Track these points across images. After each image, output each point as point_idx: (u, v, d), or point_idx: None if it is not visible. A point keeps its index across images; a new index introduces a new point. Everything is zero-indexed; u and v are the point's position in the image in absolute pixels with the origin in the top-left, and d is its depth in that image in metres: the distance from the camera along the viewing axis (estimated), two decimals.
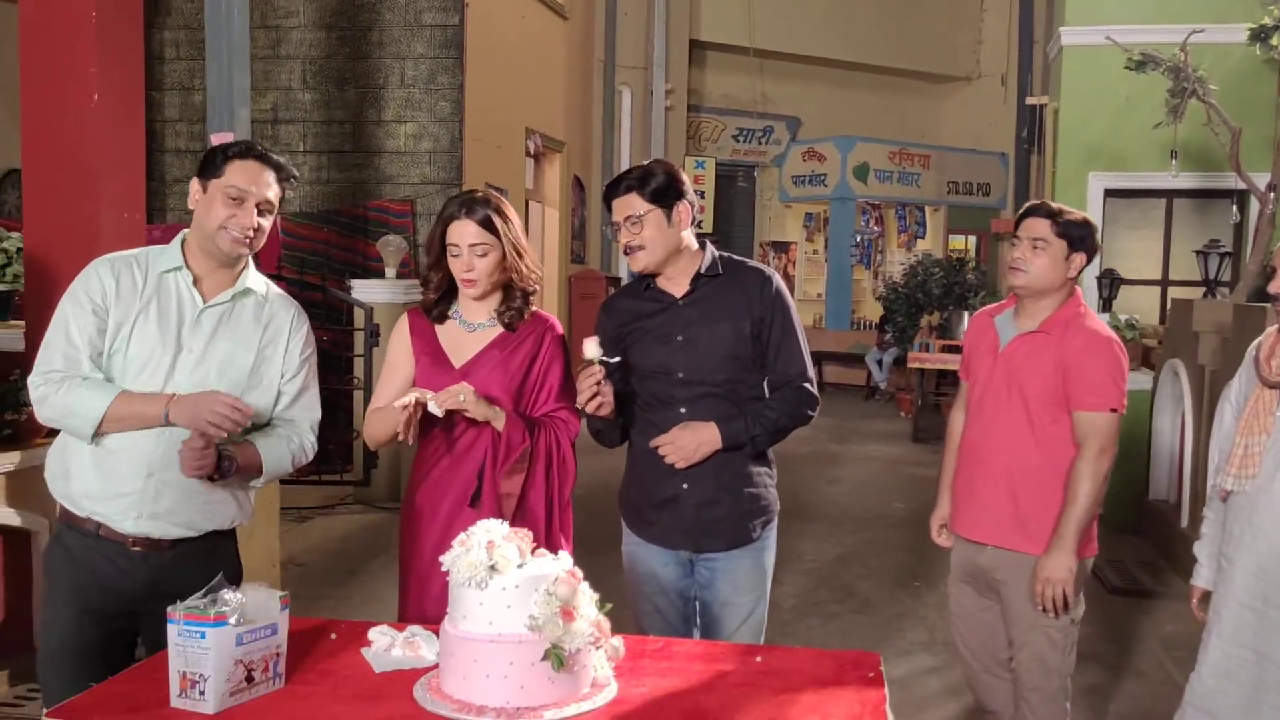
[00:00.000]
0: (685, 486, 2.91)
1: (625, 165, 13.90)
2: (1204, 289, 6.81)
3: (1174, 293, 11.55)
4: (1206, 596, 2.95)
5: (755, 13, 15.40)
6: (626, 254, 2.92)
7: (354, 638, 2.44)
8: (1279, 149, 6.63)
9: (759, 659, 2.33)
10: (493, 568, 2.09)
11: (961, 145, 17.53)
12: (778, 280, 3.01)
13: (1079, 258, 3.06)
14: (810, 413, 2.98)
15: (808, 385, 2.96)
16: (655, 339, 2.94)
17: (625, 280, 13.81)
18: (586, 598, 2.13)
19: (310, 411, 2.79)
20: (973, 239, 17.73)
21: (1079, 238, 3.04)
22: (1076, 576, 3.11)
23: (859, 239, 16.61)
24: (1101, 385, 2.95)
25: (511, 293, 2.93)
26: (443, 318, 2.97)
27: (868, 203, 16.77)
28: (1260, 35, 6.36)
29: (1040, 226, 3.03)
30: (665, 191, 2.86)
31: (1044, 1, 16.48)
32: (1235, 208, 7.82)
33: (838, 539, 6.87)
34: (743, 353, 2.92)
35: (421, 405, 2.74)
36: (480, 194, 2.96)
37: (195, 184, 2.63)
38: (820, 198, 16.73)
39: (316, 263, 8.92)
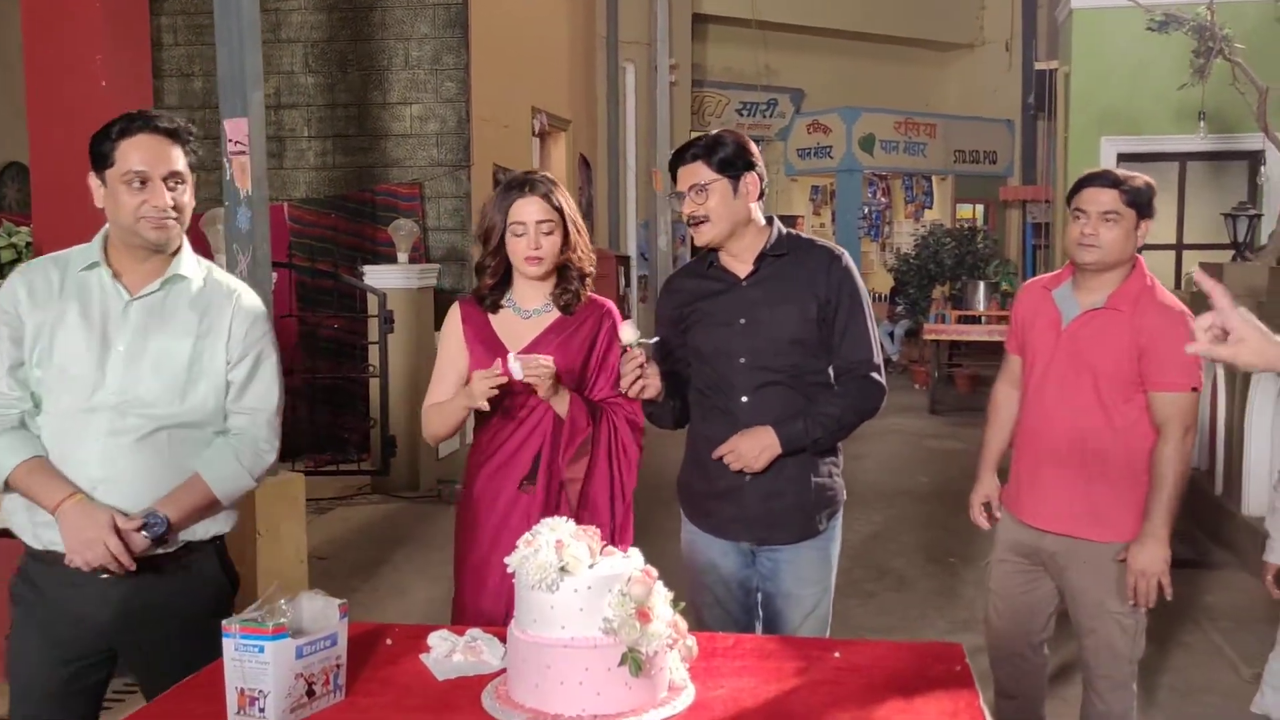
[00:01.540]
0: (748, 478, 2.79)
1: (631, 143, 13.77)
2: (1233, 252, 6.67)
3: (1189, 256, 11.46)
4: None
5: None
6: (690, 225, 2.80)
7: (411, 643, 2.33)
8: None
9: (837, 654, 2.22)
10: (563, 569, 1.98)
11: (966, 113, 17.38)
12: (847, 259, 2.86)
13: (1146, 224, 2.92)
14: (876, 405, 2.84)
15: (875, 374, 2.82)
16: (717, 321, 2.83)
17: (635, 259, 13.72)
18: (661, 597, 2.03)
19: (265, 400, 2.51)
20: (980, 207, 17.59)
21: (1146, 202, 2.90)
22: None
23: (866, 211, 16.48)
24: (1181, 364, 2.79)
25: (568, 274, 2.83)
26: (496, 306, 2.86)
27: (874, 174, 16.63)
28: None
29: (1107, 197, 2.87)
30: (733, 161, 2.74)
31: None
32: (1265, 169, 7.65)
33: (867, 516, 6.78)
34: (808, 337, 2.79)
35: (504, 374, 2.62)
36: (534, 172, 2.87)
37: (92, 180, 2.38)
38: (826, 170, 16.59)
39: (325, 249, 8.79)
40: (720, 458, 2.77)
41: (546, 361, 2.64)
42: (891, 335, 14.31)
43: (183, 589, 2.41)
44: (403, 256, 7.86)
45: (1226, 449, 6.21)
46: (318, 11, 9.30)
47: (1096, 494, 2.93)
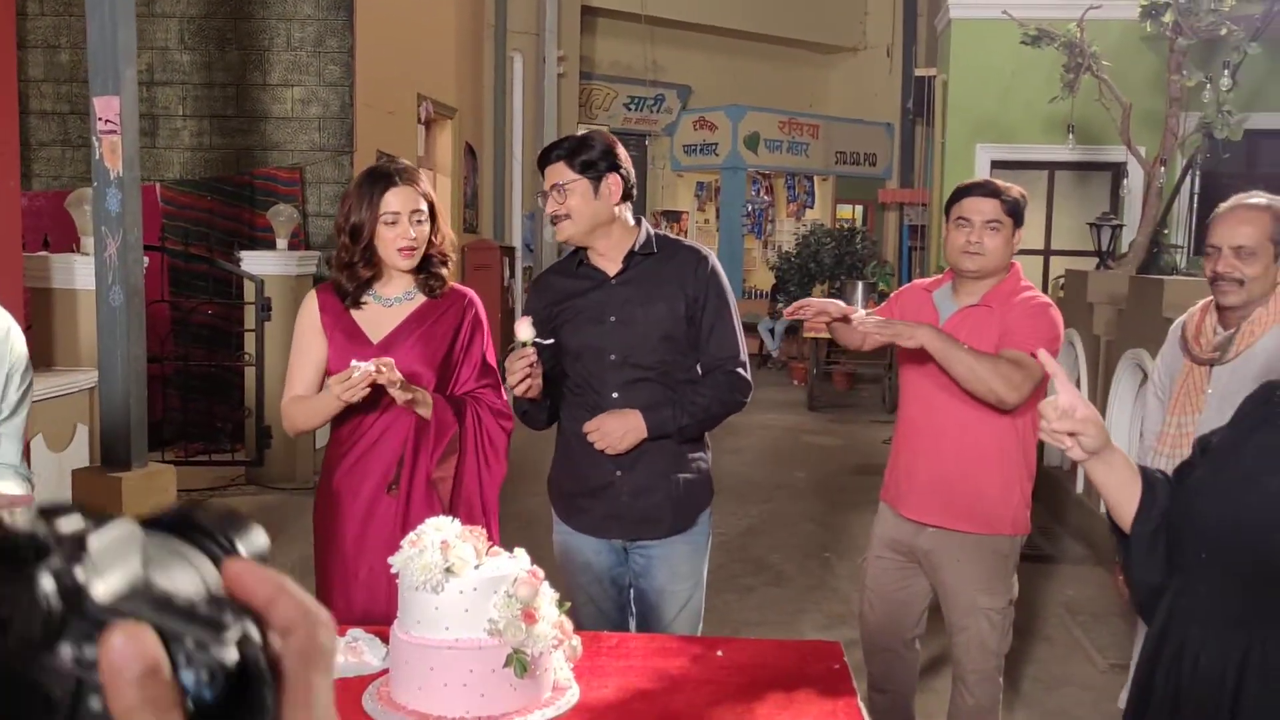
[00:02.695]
0: (619, 474, 2.82)
1: (518, 133, 13.67)
2: (1096, 260, 6.96)
3: (1055, 262, 11.92)
4: None
5: None
6: (553, 223, 2.83)
7: None
8: (1167, 125, 6.80)
9: (719, 653, 2.26)
10: (449, 570, 1.97)
11: (848, 115, 17.71)
12: (713, 259, 2.93)
13: (1019, 233, 3.06)
14: (742, 398, 2.91)
15: (740, 370, 2.88)
16: (588, 319, 2.84)
17: (520, 250, 13.63)
18: (547, 598, 2.03)
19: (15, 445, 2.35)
20: (859, 208, 17.96)
21: (1020, 212, 3.04)
22: (1008, 556, 3.13)
23: (750, 208, 16.68)
24: (1031, 334, 2.88)
25: (431, 261, 2.82)
26: (357, 302, 2.82)
27: (758, 172, 16.84)
28: (1152, 11, 6.50)
29: (990, 206, 2.97)
30: (595, 162, 2.78)
31: None
32: (1127, 181, 8.00)
33: (744, 510, 6.88)
34: (677, 334, 2.83)
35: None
36: (397, 161, 2.85)
37: None
38: (711, 167, 16.73)
39: (200, 233, 8.52)
40: (587, 436, 2.78)
41: (386, 367, 2.58)
42: (772, 332, 14.53)
43: None
44: (281, 243, 7.67)
45: None
46: None
47: (970, 487, 3.03)
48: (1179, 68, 6.59)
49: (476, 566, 2.01)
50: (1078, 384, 6.83)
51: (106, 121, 4.34)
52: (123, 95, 4.31)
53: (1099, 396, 6.31)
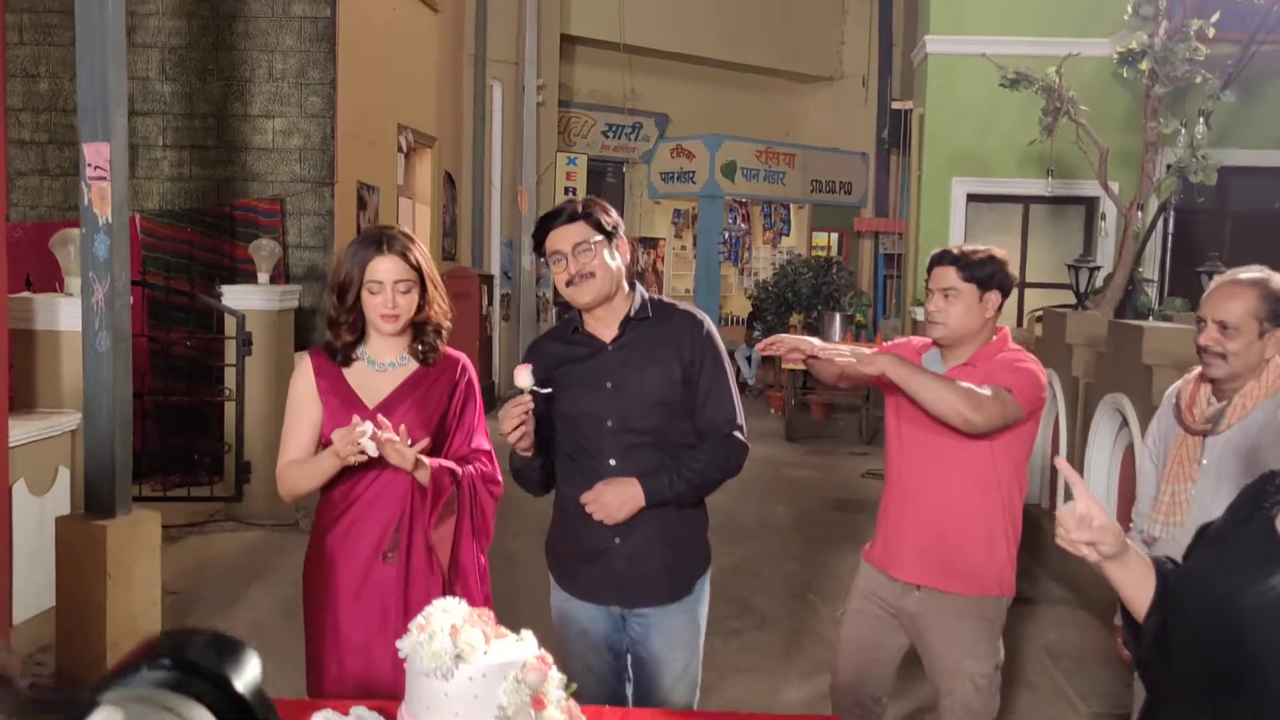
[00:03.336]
0: (616, 540, 2.82)
1: (497, 161, 13.69)
2: (1074, 300, 7.04)
3: (1030, 295, 12.06)
4: None
5: (625, 8, 15.34)
6: (570, 285, 2.80)
7: (291, 717, 2.28)
8: (1144, 169, 6.91)
9: None
10: (458, 656, 1.98)
11: (824, 144, 17.85)
12: (708, 323, 2.95)
13: (994, 296, 3.04)
14: (739, 463, 2.92)
15: (737, 434, 2.90)
16: (584, 385, 2.84)
17: (498, 278, 13.63)
18: (555, 682, 2.04)
19: None
20: (835, 236, 18.09)
21: (988, 276, 3.03)
22: (994, 620, 3.16)
23: (727, 236, 16.76)
24: (1009, 377, 2.93)
25: (424, 329, 2.84)
26: (348, 361, 2.84)
27: (735, 200, 16.93)
28: (1128, 59, 6.61)
29: (948, 275, 3.03)
30: (612, 225, 2.81)
31: (901, 7, 16.93)
32: (1104, 222, 8.11)
33: (728, 549, 6.89)
34: (672, 398, 2.84)
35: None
36: (391, 229, 2.87)
37: None
38: (689, 195, 16.81)
39: (181, 265, 8.48)
40: (585, 507, 2.79)
41: (397, 439, 2.62)
42: (749, 359, 14.59)
43: None
44: (263, 277, 7.64)
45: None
46: (177, 17, 8.98)
47: (957, 548, 3.06)
48: (1154, 114, 6.70)
49: (485, 652, 2.01)
50: (1055, 425, 6.90)
51: (96, 168, 4.33)
52: (113, 142, 4.31)
53: (1078, 438, 6.38)
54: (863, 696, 3.28)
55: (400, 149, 11.04)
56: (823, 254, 17.07)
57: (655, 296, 2.97)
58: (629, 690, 2.96)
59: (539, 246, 2.87)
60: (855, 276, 16.17)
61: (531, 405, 2.68)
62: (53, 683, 4.51)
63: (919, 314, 10.85)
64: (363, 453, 2.62)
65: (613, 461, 2.81)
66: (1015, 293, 11.69)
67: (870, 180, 17.76)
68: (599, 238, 2.77)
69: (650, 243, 17.42)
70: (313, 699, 2.71)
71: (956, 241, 11.65)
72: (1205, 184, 6.72)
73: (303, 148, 9.15)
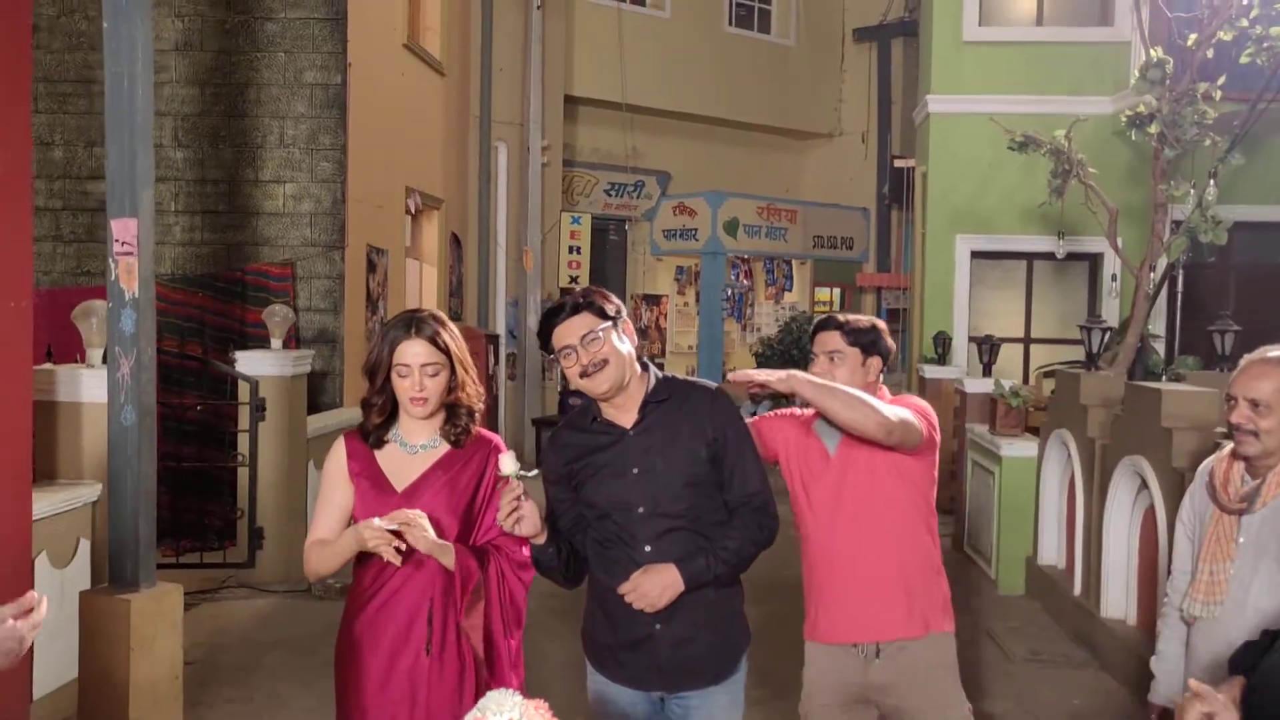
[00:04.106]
0: (658, 627, 2.80)
1: (502, 221, 13.79)
2: (1087, 362, 7.06)
3: (1035, 351, 12.10)
4: (1166, 714, 3.01)
5: (627, 68, 15.54)
6: (584, 377, 2.78)
7: None
8: (1154, 230, 6.97)
9: None
10: None
11: (825, 200, 17.99)
12: (725, 394, 2.96)
13: (875, 361, 3.18)
14: (772, 536, 2.90)
15: (767, 505, 2.89)
16: (609, 474, 2.83)
17: (504, 337, 13.68)
18: None
19: None
20: (837, 291, 18.17)
21: (870, 343, 3.17)
22: (952, 665, 3.23)
23: (729, 292, 16.83)
24: (901, 402, 3.08)
25: (457, 411, 2.85)
26: (380, 442, 2.86)
27: (737, 256, 17.02)
28: (1136, 123, 6.70)
29: (834, 339, 3.17)
30: (615, 312, 2.81)
31: (901, 64, 17.16)
32: (1115, 282, 8.16)
33: (747, 612, 6.84)
34: (702, 478, 2.83)
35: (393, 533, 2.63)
36: (423, 311, 2.91)
37: None
38: (691, 251, 16.90)
39: (193, 330, 8.52)
40: (624, 597, 2.77)
41: (411, 513, 2.65)
42: (754, 415, 14.58)
43: None
44: (276, 342, 7.67)
45: (1085, 549, 6.51)
46: (190, 85, 9.10)
47: (911, 590, 3.13)
48: (1163, 176, 6.77)
49: None
50: (1071, 486, 6.89)
51: (123, 244, 4.36)
52: (140, 218, 4.34)
53: (1095, 499, 6.38)
54: None
55: (408, 211, 11.12)
56: (826, 310, 17.12)
57: (667, 375, 2.97)
58: None
59: (545, 344, 2.86)
60: None
61: (520, 490, 2.68)
62: None
63: (926, 370, 10.88)
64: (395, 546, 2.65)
65: (648, 548, 2.79)
66: (1020, 348, 11.88)
67: (871, 235, 17.88)
68: (605, 325, 2.77)
69: (653, 300, 17.49)
70: None
71: (962, 299, 11.76)
72: (1215, 243, 6.79)
73: (313, 212, 9.22)
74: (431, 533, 2.67)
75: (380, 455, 2.84)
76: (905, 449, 3.05)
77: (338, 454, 2.87)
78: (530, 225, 13.65)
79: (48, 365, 5.46)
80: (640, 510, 2.79)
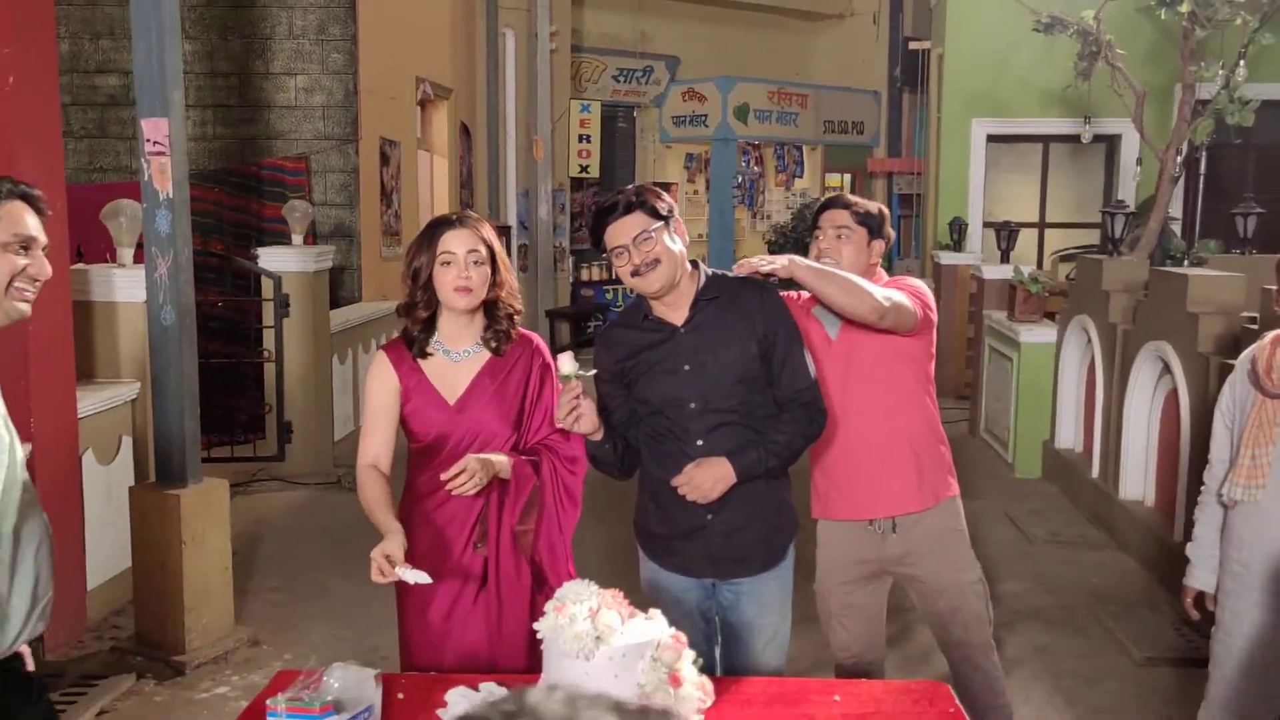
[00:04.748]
0: (710, 516, 2.88)
1: (511, 110, 13.62)
2: (1108, 247, 7.06)
3: (1050, 235, 12.06)
4: (1200, 598, 3.10)
5: None
6: (636, 276, 2.80)
7: (421, 695, 2.37)
8: (1180, 113, 6.89)
9: (836, 698, 2.36)
10: (598, 638, 2.06)
11: (835, 84, 17.69)
12: (775, 292, 2.98)
13: (879, 245, 3.23)
14: (820, 430, 2.97)
15: (817, 401, 2.95)
16: (662, 370, 2.87)
17: (515, 229, 13.64)
18: (688, 659, 2.12)
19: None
20: (848, 177, 18.01)
21: (877, 225, 3.21)
22: (962, 531, 3.34)
23: (740, 179, 16.69)
24: (898, 284, 3.14)
25: (496, 314, 2.86)
26: (424, 353, 2.87)
27: (748, 143, 16.83)
28: (1166, 1, 6.57)
29: (842, 216, 3.19)
30: (660, 210, 2.81)
31: None
32: (1139, 167, 8.10)
33: None
34: (753, 374, 2.87)
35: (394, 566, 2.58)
36: (459, 211, 2.89)
37: None
38: (701, 138, 16.70)
39: (210, 226, 8.51)
40: (679, 490, 2.84)
41: (465, 467, 2.63)
42: None
43: None
44: (297, 238, 7.68)
45: (1104, 433, 6.61)
46: None
47: (925, 463, 3.22)
48: (1192, 56, 6.67)
49: (622, 633, 2.09)
50: (1091, 370, 6.96)
51: (155, 144, 4.35)
52: (171, 117, 4.32)
53: (1115, 384, 6.45)
54: (873, 654, 3.38)
55: (418, 102, 10.99)
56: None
57: (716, 272, 2.99)
58: (717, 654, 3.04)
59: (597, 243, 2.88)
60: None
61: (579, 390, 2.73)
62: (133, 645, 4.62)
63: (942, 257, 10.87)
64: (431, 430, 2.72)
65: (700, 442, 2.85)
66: (1035, 233, 11.84)
67: (883, 120, 17.63)
68: (657, 224, 2.78)
69: (662, 188, 17.33)
70: (416, 670, 2.79)
71: (977, 184, 11.68)
72: (1242, 125, 6.72)
73: (325, 105, 9.12)
74: (475, 476, 2.63)
75: (426, 366, 2.84)
76: (901, 331, 3.10)
77: (381, 369, 2.85)
78: (539, 113, 13.47)
79: (79, 265, 5.48)
80: (692, 406, 2.85)
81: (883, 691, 2.43)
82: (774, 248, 14.16)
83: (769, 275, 2.91)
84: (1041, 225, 12.02)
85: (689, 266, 2.90)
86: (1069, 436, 7.37)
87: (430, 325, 2.85)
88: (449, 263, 2.75)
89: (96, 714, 4.16)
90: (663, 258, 2.79)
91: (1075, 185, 12.05)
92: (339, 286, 9.07)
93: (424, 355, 2.84)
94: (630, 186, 2.92)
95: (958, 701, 2.34)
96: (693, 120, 16.58)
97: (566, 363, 2.71)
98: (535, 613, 2.85)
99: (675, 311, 2.89)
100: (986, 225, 11.40)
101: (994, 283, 8.74)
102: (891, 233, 3.30)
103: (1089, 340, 6.95)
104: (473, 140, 12.94)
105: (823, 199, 3.40)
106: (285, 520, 6.68)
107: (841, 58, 17.97)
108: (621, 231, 2.79)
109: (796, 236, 13.65)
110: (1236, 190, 10.02)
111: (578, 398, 2.71)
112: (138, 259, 5.60)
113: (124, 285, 5.30)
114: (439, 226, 2.80)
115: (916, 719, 2.27)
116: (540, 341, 2.95)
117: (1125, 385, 6.21)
